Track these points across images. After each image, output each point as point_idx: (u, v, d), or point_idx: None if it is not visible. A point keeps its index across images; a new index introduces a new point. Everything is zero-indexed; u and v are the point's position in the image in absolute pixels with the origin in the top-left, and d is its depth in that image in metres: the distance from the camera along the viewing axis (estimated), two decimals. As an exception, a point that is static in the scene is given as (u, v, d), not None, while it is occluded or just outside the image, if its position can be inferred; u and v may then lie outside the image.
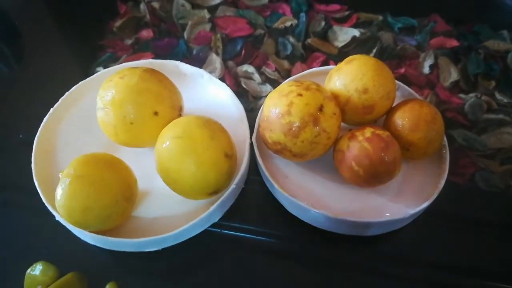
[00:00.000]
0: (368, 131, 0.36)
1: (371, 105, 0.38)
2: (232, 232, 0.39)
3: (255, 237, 0.39)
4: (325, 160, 0.40)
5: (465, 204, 0.42)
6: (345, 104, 0.38)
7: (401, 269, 0.38)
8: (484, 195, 0.43)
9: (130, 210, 0.36)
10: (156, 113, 0.37)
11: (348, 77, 0.38)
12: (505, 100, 0.49)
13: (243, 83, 0.50)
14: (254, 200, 0.41)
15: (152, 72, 0.38)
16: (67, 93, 0.42)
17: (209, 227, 0.38)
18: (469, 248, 0.40)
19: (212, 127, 0.35)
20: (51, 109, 0.41)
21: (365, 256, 0.38)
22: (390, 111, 0.39)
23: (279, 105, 0.36)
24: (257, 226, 0.40)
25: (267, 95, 0.47)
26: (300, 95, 0.36)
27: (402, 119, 0.38)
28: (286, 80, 0.43)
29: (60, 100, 0.42)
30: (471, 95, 0.50)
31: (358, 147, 0.36)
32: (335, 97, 0.38)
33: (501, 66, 0.53)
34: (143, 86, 0.36)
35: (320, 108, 0.36)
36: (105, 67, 0.49)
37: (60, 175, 0.33)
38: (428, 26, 0.56)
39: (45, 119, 0.40)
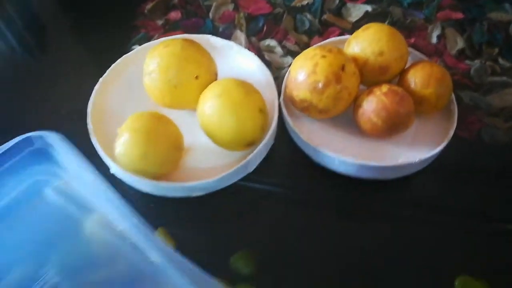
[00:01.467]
0: (384, 87, 0.41)
1: (386, 66, 0.43)
2: (263, 186, 0.44)
3: (283, 190, 0.44)
4: (346, 117, 0.44)
5: (472, 156, 0.47)
6: (363, 66, 0.43)
7: (414, 212, 0.43)
8: (489, 148, 0.47)
9: (179, 160, 0.41)
10: (197, 77, 0.41)
11: (365, 42, 0.43)
12: (508, 65, 0.54)
13: (266, 56, 0.54)
14: (282, 155, 0.46)
15: (191, 42, 0.43)
16: (113, 65, 0.47)
17: (244, 179, 0.42)
18: (476, 194, 0.44)
19: (247, 87, 0.40)
20: (100, 79, 0.46)
21: (384, 201, 0.43)
22: (403, 72, 0.44)
23: (305, 66, 0.41)
24: (285, 179, 0.45)
25: (289, 65, 0.52)
26: (324, 56, 0.40)
27: (414, 77, 0.42)
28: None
29: (107, 71, 0.47)
30: (476, 61, 0.54)
31: (376, 100, 0.40)
32: (354, 60, 0.43)
33: (503, 35, 0.57)
34: (185, 53, 0.41)
35: (342, 68, 0.40)
36: (140, 45, 0.54)
37: (118, 131, 0.38)
38: (435, 0, 0.60)
39: (96, 87, 0.45)
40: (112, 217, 0.34)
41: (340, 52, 0.41)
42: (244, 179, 0.42)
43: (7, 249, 0.36)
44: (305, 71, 0.41)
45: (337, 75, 0.40)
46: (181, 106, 0.44)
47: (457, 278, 0.39)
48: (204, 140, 0.42)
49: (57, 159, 0.37)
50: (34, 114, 0.50)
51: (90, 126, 0.42)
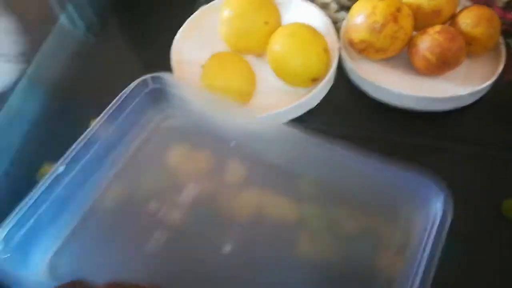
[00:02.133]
0: (437, 27, 0.45)
1: (438, 9, 0.47)
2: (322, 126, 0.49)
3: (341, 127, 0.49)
4: (401, 59, 0.49)
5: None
6: (416, 11, 0.47)
7: (462, 145, 0.46)
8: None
9: (252, 93, 0.47)
10: (266, 23, 0.47)
11: (419, -12, 0.47)
12: (555, 15, 0.56)
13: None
14: (341, 96, 0.51)
15: (261, -8, 0.49)
16: (190, 17, 0.54)
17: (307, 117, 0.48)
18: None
19: (312, 29, 0.46)
20: (179, 30, 0.53)
21: (437, 131, 0.47)
22: (454, 15, 0.48)
23: (365, 9, 0.46)
24: (346, 116, 0.50)
25: (343, 20, 0.57)
26: (381, 0, 0.45)
27: (465, 18, 0.46)
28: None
29: (185, 23, 0.53)
30: (524, 12, 0.57)
31: (430, 39, 0.45)
32: (408, 5, 0.47)
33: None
34: (256, 2, 0.47)
35: (398, 10, 0.45)
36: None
37: (202, 67, 0.45)
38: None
39: (176, 37, 0.52)
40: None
41: (395, -5, 0.46)
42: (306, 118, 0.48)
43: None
44: (364, 13, 0.45)
45: (394, 16, 0.45)
46: (252, 50, 0.50)
47: (504, 202, 0.43)
48: (272, 81, 0.48)
49: (174, 98, 0.44)
50: (126, 65, 0.58)
51: (173, 61, 0.49)
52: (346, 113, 0.51)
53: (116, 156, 0.42)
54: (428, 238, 0.32)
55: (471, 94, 0.45)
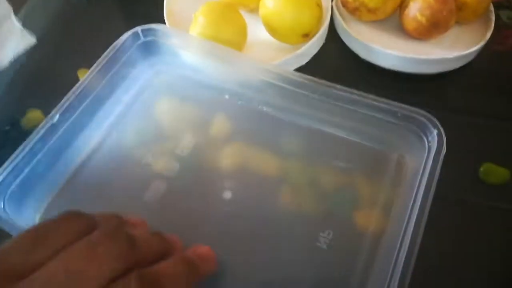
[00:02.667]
0: (429, -11, 0.45)
1: (432, -27, 0.47)
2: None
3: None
4: (392, 22, 0.50)
5: (505, 65, 0.51)
6: (409, -26, 0.48)
7: (444, 111, 0.46)
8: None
9: (243, 44, 0.47)
10: (260, -24, 0.47)
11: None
12: (547, -10, 0.57)
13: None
14: (331, 55, 0.51)
15: None
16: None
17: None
18: (506, 99, 0.48)
19: (306, -16, 0.46)
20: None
21: (424, 95, 0.48)
22: (447, -20, 0.48)
23: (359, -33, 0.46)
24: (335, 75, 0.50)
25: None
26: (376, -42, 0.45)
27: (457, -17, 0.47)
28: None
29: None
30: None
31: (422, 1, 0.45)
32: (402, -33, 0.47)
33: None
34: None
35: (392, -31, 0.45)
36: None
37: (193, 16, 0.45)
38: None
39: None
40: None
41: (391, -45, 0.46)
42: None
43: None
44: (358, -28, 0.46)
45: (387, -25, 0.45)
46: (244, 3, 0.50)
47: (482, 165, 0.44)
48: (264, 37, 0.48)
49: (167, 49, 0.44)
50: (118, 18, 0.58)
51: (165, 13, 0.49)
52: (335, 72, 0.51)
53: (108, 108, 0.43)
54: (422, 176, 0.33)
55: (457, 59, 0.46)
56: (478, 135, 0.46)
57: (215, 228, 0.36)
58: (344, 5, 0.49)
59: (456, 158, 0.44)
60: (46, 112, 0.38)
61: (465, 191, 0.42)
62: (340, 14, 0.50)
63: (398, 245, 0.30)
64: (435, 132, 0.34)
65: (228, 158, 0.42)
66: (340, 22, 0.49)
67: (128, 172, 0.40)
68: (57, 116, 0.38)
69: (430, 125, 0.34)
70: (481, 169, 0.43)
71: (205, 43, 0.43)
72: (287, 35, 0.47)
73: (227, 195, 0.38)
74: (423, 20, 0.45)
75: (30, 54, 0.55)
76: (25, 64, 0.55)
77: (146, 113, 0.44)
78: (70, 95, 0.39)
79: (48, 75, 0.54)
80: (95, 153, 0.41)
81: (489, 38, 0.47)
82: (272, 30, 0.47)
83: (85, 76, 0.40)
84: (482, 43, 0.46)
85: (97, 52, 0.42)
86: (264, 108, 0.43)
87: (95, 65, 0.41)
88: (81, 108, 0.40)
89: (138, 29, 0.43)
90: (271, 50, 0.49)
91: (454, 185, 0.42)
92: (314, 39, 0.47)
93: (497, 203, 0.41)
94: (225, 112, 0.44)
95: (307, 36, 0.46)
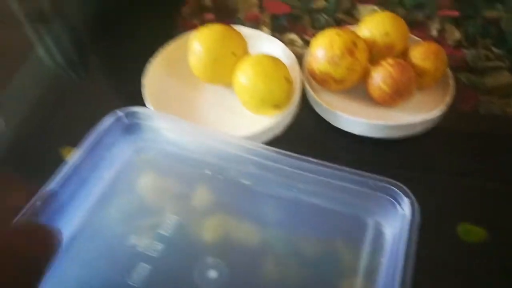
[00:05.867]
0: (390, 60, 0.49)
1: (391, 44, 0.51)
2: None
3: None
4: (358, 91, 0.53)
5: (469, 123, 0.54)
6: (372, 46, 0.52)
7: (415, 171, 0.49)
8: (485, 118, 0.55)
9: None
10: (234, 53, 0.50)
11: (372, 25, 0.52)
12: (500, 52, 0.62)
13: (288, 47, 0.63)
14: (305, 124, 0.54)
15: (228, 26, 0.52)
16: (160, 49, 0.57)
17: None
18: (473, 155, 0.51)
19: (275, 59, 0.49)
20: (151, 60, 0.55)
21: (393, 159, 0.50)
22: (406, 50, 0.52)
23: (323, 43, 0.49)
24: (310, 142, 0.53)
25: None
26: (338, 35, 0.49)
27: (415, 53, 0.51)
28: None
29: (155, 54, 0.56)
30: (472, 50, 0.62)
31: (384, 71, 0.49)
32: (364, 40, 0.51)
33: (496, 29, 0.65)
34: (224, 33, 0.50)
35: (354, 44, 0.49)
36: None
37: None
38: (434, 1, 0.69)
39: (147, 69, 0.55)
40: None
41: (351, 31, 0.50)
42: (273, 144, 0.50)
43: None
44: (323, 47, 0.49)
45: (350, 50, 0.48)
46: (219, 79, 0.52)
47: (459, 225, 0.45)
48: (239, 110, 0.51)
49: (148, 130, 0.45)
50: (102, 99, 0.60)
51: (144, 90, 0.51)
52: (309, 140, 0.53)
53: (90, 189, 0.43)
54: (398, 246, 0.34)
55: (422, 122, 0.49)
56: (451, 194, 0.48)
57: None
58: (313, 77, 0.52)
59: (433, 219, 0.45)
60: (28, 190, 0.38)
61: (446, 251, 0.44)
62: (310, 85, 0.53)
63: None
64: (407, 200, 0.36)
65: (210, 231, 0.42)
66: (310, 93, 0.52)
67: (112, 255, 0.40)
68: (39, 203, 0.38)
69: (402, 194, 0.36)
70: (459, 229, 0.45)
71: (185, 124, 0.45)
72: (260, 107, 0.49)
73: (213, 273, 0.38)
74: (386, 88, 0.48)
75: (12, 132, 0.56)
76: (7, 143, 0.55)
77: (129, 191, 0.45)
78: (52, 180, 0.40)
79: (30, 153, 0.55)
80: (81, 234, 0.41)
81: (451, 100, 0.51)
82: (245, 102, 0.50)
83: (67, 162, 0.41)
84: (442, 107, 0.50)
85: (81, 130, 0.43)
86: (244, 181, 0.44)
87: (77, 149, 0.42)
88: (62, 194, 0.40)
89: (121, 112, 0.44)
90: (246, 121, 0.51)
91: (435, 246, 0.43)
92: (286, 110, 0.49)
93: (478, 262, 0.43)
94: (206, 186, 0.45)
95: (278, 107, 0.49)
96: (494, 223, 0.45)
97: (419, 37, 0.63)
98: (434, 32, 0.65)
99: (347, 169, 0.38)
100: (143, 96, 0.53)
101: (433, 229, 0.43)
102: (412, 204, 0.35)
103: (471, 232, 0.45)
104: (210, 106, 0.54)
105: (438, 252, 0.43)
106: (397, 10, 0.68)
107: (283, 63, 0.49)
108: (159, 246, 0.40)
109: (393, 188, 0.36)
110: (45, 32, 0.69)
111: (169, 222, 0.42)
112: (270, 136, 0.50)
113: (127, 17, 0.70)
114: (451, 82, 0.52)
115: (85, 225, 0.42)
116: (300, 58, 0.61)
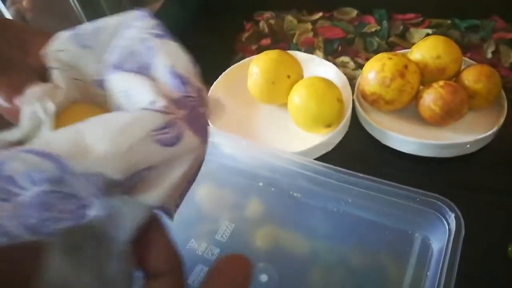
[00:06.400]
0: (441, 82, 0.51)
1: (443, 67, 0.52)
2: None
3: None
4: (409, 111, 0.54)
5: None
6: (423, 68, 0.53)
7: (466, 191, 0.50)
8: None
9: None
10: (289, 76, 0.54)
11: (425, 49, 0.53)
12: (559, 74, 0.60)
13: (341, 69, 0.66)
14: (355, 142, 0.56)
15: (285, 51, 0.56)
16: (223, 73, 0.62)
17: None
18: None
19: (328, 82, 0.52)
20: (214, 83, 0.61)
21: (442, 178, 0.51)
22: (458, 73, 0.53)
23: (375, 66, 0.52)
24: (360, 160, 0.55)
25: (359, 77, 0.63)
26: (390, 58, 0.51)
27: (467, 75, 0.52)
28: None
29: (219, 77, 0.61)
30: (529, 72, 0.62)
31: (434, 92, 0.50)
32: (416, 63, 0.53)
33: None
34: (280, 58, 0.55)
35: (405, 66, 0.51)
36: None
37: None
38: (490, 24, 0.69)
39: (211, 89, 0.60)
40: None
41: (403, 55, 0.52)
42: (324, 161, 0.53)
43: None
44: (375, 70, 0.52)
45: (401, 72, 0.50)
46: (275, 100, 0.56)
47: (510, 245, 0.45)
48: (293, 129, 0.54)
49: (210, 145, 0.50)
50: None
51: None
52: (359, 158, 0.55)
53: None
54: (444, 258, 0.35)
55: (474, 142, 0.49)
56: (502, 214, 0.48)
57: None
58: (364, 98, 0.54)
59: (482, 237, 0.46)
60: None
61: (494, 270, 0.44)
62: (361, 106, 0.55)
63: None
64: (453, 215, 0.37)
65: (262, 239, 0.45)
66: (361, 113, 0.54)
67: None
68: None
69: (447, 209, 0.37)
70: (510, 248, 0.45)
71: (241, 140, 0.49)
72: (312, 126, 0.52)
73: (264, 278, 0.41)
74: (437, 109, 0.50)
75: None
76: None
77: (189, 199, 0.50)
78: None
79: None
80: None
81: (505, 121, 0.51)
82: (299, 122, 0.53)
83: None
84: (495, 128, 0.50)
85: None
86: (295, 194, 0.47)
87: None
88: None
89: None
90: (299, 139, 0.54)
91: (483, 265, 0.43)
92: (337, 128, 0.52)
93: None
94: (259, 198, 0.49)
95: (329, 126, 0.52)
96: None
97: (473, 60, 0.64)
98: (489, 55, 0.65)
99: (395, 184, 0.40)
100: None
101: (482, 248, 0.44)
102: (457, 218, 0.36)
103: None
104: (266, 125, 0.58)
105: (487, 270, 0.43)
106: (451, 32, 0.69)
107: (335, 85, 0.52)
108: (216, 250, 0.44)
109: (439, 203, 0.38)
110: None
111: (225, 229, 0.46)
112: (321, 153, 0.53)
113: (191, 42, 0.77)
114: (505, 104, 0.52)
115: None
116: (352, 80, 0.64)
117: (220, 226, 0.46)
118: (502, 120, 0.51)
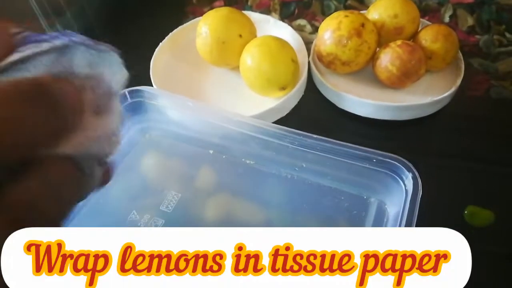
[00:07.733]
0: (398, 41, 0.48)
1: (400, 27, 0.50)
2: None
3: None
4: (366, 73, 0.52)
5: (480, 107, 0.53)
6: (380, 28, 0.51)
7: (423, 155, 0.48)
8: (495, 102, 0.53)
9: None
10: (240, 36, 0.50)
11: (382, 8, 0.51)
12: (514, 38, 0.60)
13: (297, 33, 0.63)
14: (310, 106, 0.53)
15: (236, 9, 0.52)
16: (170, 33, 0.57)
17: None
18: (482, 140, 0.50)
19: (282, 41, 0.49)
20: (159, 44, 0.56)
21: (399, 141, 0.49)
22: (416, 33, 0.51)
23: (331, 24, 0.49)
24: (315, 124, 0.52)
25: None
26: (347, 16, 0.49)
27: (424, 35, 0.50)
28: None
29: (165, 38, 0.56)
30: (485, 35, 0.61)
31: (392, 51, 0.48)
32: (373, 23, 0.50)
33: (510, 15, 0.64)
34: (231, 16, 0.50)
35: (362, 25, 0.48)
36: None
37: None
38: (447, -12, 0.68)
39: (155, 52, 0.55)
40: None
41: (360, 13, 0.50)
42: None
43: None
44: (331, 28, 0.49)
45: (358, 31, 0.48)
46: (227, 62, 0.52)
47: (466, 208, 0.44)
48: (246, 92, 0.51)
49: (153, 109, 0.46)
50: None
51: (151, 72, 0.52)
52: (315, 122, 0.53)
53: None
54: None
55: (430, 104, 0.48)
56: (459, 178, 0.47)
57: None
58: (320, 60, 0.51)
59: (439, 201, 0.45)
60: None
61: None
62: (317, 68, 0.52)
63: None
64: (410, 175, 0.35)
65: (212, 210, 0.42)
66: (317, 75, 0.51)
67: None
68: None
69: (404, 169, 0.36)
70: (466, 211, 0.44)
71: (189, 102, 0.45)
72: (265, 88, 0.49)
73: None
74: (394, 70, 0.48)
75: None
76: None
77: (133, 170, 0.45)
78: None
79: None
80: (80, 211, 0.41)
81: (462, 84, 0.50)
82: (251, 84, 0.49)
83: None
84: (453, 89, 0.49)
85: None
86: (247, 161, 0.44)
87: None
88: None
89: (125, 90, 0.45)
90: (252, 103, 0.51)
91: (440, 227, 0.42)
92: (292, 91, 0.49)
93: (484, 246, 0.42)
94: (210, 166, 0.45)
95: (284, 89, 0.48)
96: (501, 207, 0.44)
97: (431, 22, 0.62)
98: (446, 19, 0.63)
99: (351, 145, 0.38)
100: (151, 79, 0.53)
101: (439, 211, 0.43)
102: (414, 179, 0.35)
103: (478, 215, 0.44)
104: (217, 88, 0.54)
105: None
106: (409, -4, 0.67)
107: (289, 45, 0.49)
108: (160, 222, 0.40)
109: (396, 163, 0.36)
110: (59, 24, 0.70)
111: (170, 199, 0.42)
112: (276, 118, 0.50)
113: (140, 5, 0.71)
114: (462, 65, 0.51)
115: (88, 201, 0.42)
116: (308, 44, 0.61)
117: (166, 197, 0.42)
118: (459, 82, 0.49)
